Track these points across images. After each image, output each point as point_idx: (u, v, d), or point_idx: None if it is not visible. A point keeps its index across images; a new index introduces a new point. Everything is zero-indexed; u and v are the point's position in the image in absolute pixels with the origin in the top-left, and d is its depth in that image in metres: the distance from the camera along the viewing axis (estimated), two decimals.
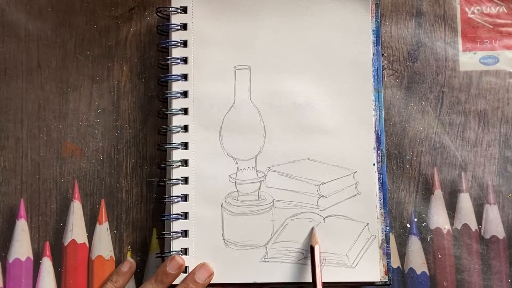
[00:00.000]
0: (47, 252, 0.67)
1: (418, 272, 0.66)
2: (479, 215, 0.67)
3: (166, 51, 0.68)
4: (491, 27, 0.70)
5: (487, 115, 0.68)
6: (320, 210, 0.65)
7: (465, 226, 0.66)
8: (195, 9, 0.68)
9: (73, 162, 0.68)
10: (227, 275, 0.63)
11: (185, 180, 0.65)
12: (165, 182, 0.65)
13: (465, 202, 0.67)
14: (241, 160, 0.65)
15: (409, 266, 0.66)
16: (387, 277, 0.63)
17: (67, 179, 0.68)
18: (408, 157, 0.68)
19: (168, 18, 0.68)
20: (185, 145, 0.66)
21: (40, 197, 0.67)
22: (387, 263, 0.64)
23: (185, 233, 0.64)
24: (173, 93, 0.66)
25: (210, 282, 0.63)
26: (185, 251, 0.64)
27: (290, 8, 0.67)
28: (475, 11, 0.70)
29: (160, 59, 0.68)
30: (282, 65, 0.67)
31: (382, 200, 0.65)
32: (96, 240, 0.67)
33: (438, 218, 0.67)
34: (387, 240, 0.64)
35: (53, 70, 0.70)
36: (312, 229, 0.64)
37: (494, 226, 0.66)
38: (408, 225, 0.66)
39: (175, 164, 0.65)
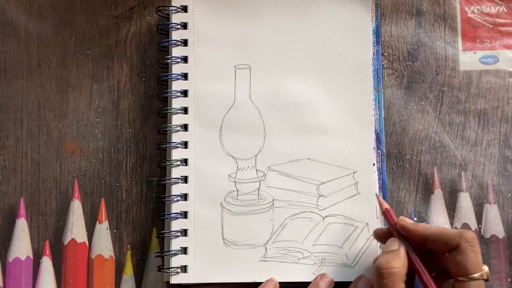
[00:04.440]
0: (47, 251, 0.67)
1: None
2: (479, 215, 0.67)
3: (166, 50, 0.68)
4: (491, 26, 0.70)
5: (487, 115, 0.68)
6: (319, 210, 0.65)
7: (465, 225, 0.66)
8: (196, 8, 0.68)
9: (73, 161, 0.68)
10: (227, 274, 0.63)
11: (185, 179, 0.65)
12: (165, 181, 0.65)
13: (465, 201, 0.67)
14: (241, 160, 0.65)
15: None
16: None
17: (67, 178, 0.68)
18: (408, 157, 0.68)
19: (168, 17, 0.68)
20: (185, 144, 0.66)
21: (40, 196, 0.68)
22: None
23: (184, 232, 0.64)
24: (173, 92, 0.66)
25: (209, 282, 0.63)
26: (184, 250, 0.64)
27: (290, 8, 0.67)
28: (475, 10, 0.70)
29: (160, 58, 0.68)
30: (282, 65, 0.67)
31: None
32: (96, 239, 0.67)
33: (438, 217, 0.67)
34: None
35: (53, 69, 0.70)
36: (376, 195, 0.64)
37: (494, 225, 0.66)
38: None
39: (175, 163, 0.65)
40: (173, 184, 0.65)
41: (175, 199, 0.64)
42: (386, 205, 0.61)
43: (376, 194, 0.64)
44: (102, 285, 0.66)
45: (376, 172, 0.65)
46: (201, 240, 0.64)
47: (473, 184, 0.67)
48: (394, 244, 0.57)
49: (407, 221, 0.58)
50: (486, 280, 0.53)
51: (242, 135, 0.66)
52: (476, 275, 0.53)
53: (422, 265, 0.56)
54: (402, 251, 0.56)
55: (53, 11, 0.71)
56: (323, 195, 0.65)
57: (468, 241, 0.53)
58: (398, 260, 0.55)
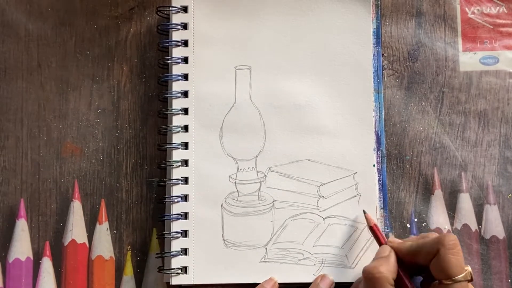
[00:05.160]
0: (47, 252, 0.67)
1: None
2: (479, 215, 0.67)
3: (167, 51, 0.68)
4: (491, 27, 0.70)
5: (487, 115, 0.68)
6: (320, 211, 0.65)
7: (465, 226, 0.66)
8: (196, 8, 0.68)
9: (73, 162, 0.68)
10: (227, 275, 0.63)
11: (185, 180, 0.65)
12: (165, 182, 0.65)
13: (465, 202, 0.67)
14: (241, 161, 0.65)
15: None
16: None
17: (67, 179, 0.68)
18: (408, 157, 0.68)
19: (168, 18, 0.68)
20: (185, 145, 0.66)
21: (40, 197, 0.67)
22: None
23: (185, 233, 0.64)
24: (173, 93, 0.66)
25: (209, 283, 0.63)
26: (185, 251, 0.64)
27: (291, 8, 0.67)
28: (475, 11, 0.70)
29: (161, 58, 0.68)
30: (282, 66, 0.67)
31: (382, 201, 0.65)
32: (96, 240, 0.67)
33: (438, 218, 0.67)
34: None
35: (53, 70, 0.70)
36: (364, 212, 0.64)
37: (494, 226, 0.66)
38: (408, 226, 0.66)
39: (175, 164, 0.65)
40: (174, 185, 0.65)
41: (176, 200, 0.64)
42: (373, 221, 0.63)
43: (364, 211, 0.64)
44: (102, 286, 0.66)
45: (376, 173, 0.65)
46: (201, 241, 0.64)
47: (473, 185, 0.67)
48: (385, 250, 0.59)
49: (394, 242, 0.60)
50: (470, 280, 0.54)
51: (243, 136, 0.66)
52: (459, 276, 0.54)
53: (406, 276, 0.58)
54: (392, 258, 0.58)
55: (53, 12, 0.71)
56: (323, 196, 0.65)
57: (446, 246, 0.54)
58: (386, 265, 0.57)
